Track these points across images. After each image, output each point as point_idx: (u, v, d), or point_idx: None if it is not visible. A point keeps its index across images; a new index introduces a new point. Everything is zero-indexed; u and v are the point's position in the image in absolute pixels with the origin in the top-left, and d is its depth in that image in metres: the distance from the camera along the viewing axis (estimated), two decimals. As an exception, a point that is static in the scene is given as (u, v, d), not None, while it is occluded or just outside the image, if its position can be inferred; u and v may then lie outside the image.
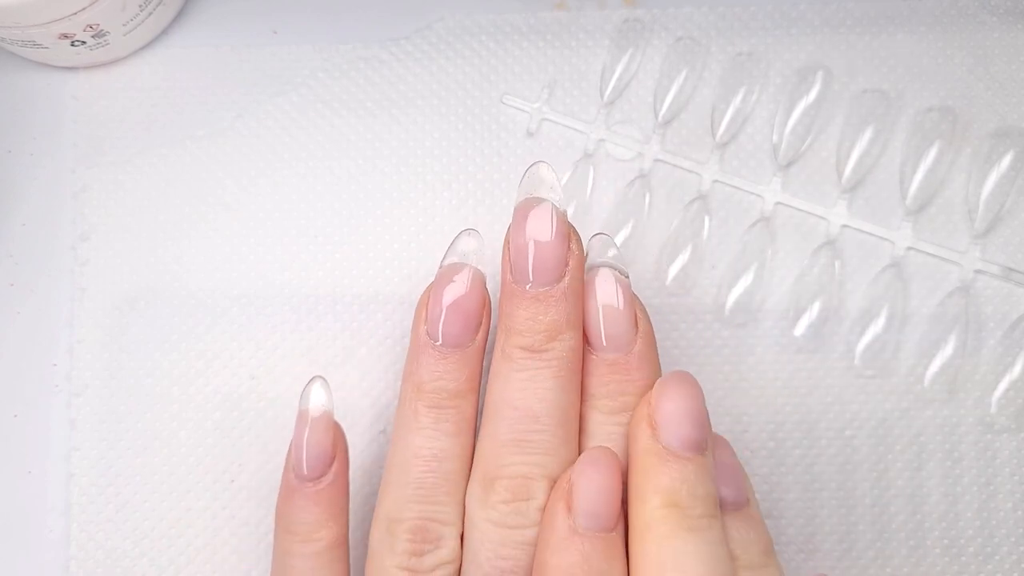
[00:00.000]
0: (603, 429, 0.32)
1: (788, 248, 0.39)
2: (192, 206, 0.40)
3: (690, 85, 0.40)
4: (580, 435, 0.32)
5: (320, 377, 0.33)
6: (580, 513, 0.29)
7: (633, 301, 0.32)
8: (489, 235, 0.40)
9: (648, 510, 0.29)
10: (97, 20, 0.37)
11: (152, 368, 0.39)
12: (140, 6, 0.38)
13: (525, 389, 0.31)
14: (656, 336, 0.34)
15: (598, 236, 0.33)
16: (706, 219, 0.39)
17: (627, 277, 0.32)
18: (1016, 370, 0.39)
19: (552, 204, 0.32)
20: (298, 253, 0.40)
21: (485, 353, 0.33)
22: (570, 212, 0.40)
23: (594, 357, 0.32)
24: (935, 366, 0.38)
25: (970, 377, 0.39)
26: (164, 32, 0.41)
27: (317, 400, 0.33)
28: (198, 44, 0.42)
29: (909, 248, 0.39)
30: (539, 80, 0.41)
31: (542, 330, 0.31)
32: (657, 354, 0.33)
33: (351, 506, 0.38)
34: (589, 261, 0.33)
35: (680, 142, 0.40)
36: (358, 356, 0.39)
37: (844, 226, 0.39)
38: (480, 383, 0.33)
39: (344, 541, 0.33)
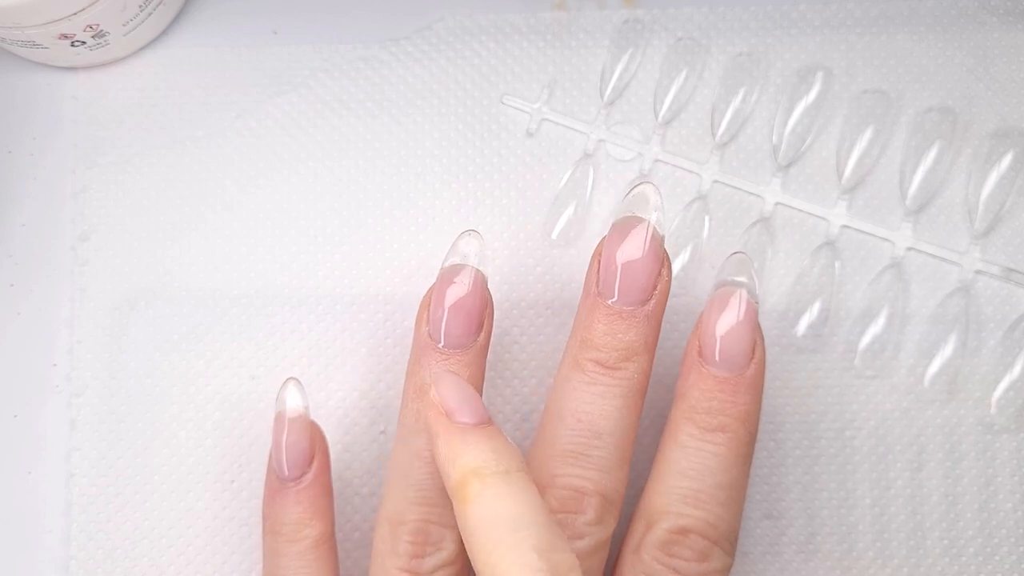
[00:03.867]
0: (694, 443, 0.32)
1: (788, 248, 0.39)
2: (192, 206, 0.40)
3: (690, 85, 0.40)
4: (669, 442, 0.32)
5: (294, 379, 0.34)
6: None
7: (757, 327, 0.32)
8: (489, 235, 0.40)
9: None
10: (97, 20, 0.37)
11: (152, 368, 0.39)
12: (140, 6, 0.38)
13: (592, 403, 0.31)
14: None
15: (738, 255, 0.33)
16: (706, 219, 0.39)
17: (757, 303, 0.32)
18: (1016, 370, 0.39)
19: (652, 225, 0.31)
20: (298, 253, 0.40)
21: (487, 353, 0.33)
22: (569, 212, 0.40)
23: (703, 370, 0.32)
24: (935, 366, 0.38)
25: (970, 378, 0.39)
26: (164, 32, 0.41)
27: (293, 402, 0.34)
28: (198, 44, 0.42)
29: (909, 248, 0.39)
30: (539, 80, 0.41)
31: (619, 348, 0.31)
32: (762, 390, 0.32)
33: (352, 505, 0.38)
34: (724, 276, 0.33)
35: (680, 142, 0.40)
36: (358, 356, 0.39)
37: (844, 226, 0.39)
38: (483, 384, 0.33)
39: (330, 538, 0.34)
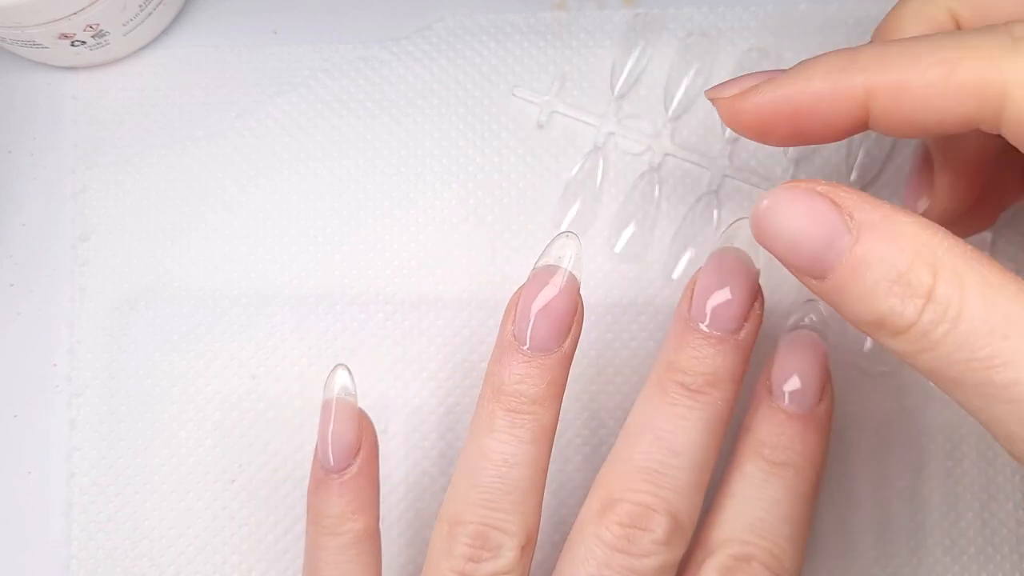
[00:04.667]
0: (760, 475, 0.32)
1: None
2: (192, 206, 0.40)
3: (701, 80, 0.40)
4: (734, 473, 0.32)
5: (343, 365, 0.33)
6: None
7: (828, 371, 0.33)
8: (490, 233, 0.40)
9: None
10: (97, 20, 0.37)
11: (152, 368, 0.39)
12: (140, 6, 0.38)
13: (672, 423, 0.31)
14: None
15: (812, 304, 0.35)
16: (715, 213, 0.39)
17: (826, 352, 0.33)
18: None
19: (749, 260, 0.31)
20: (298, 253, 0.40)
21: (571, 362, 0.32)
22: (578, 206, 0.40)
23: (773, 406, 0.33)
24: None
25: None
26: (164, 32, 0.41)
27: (340, 387, 0.33)
28: (198, 44, 0.42)
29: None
30: (540, 80, 0.41)
31: (706, 372, 0.31)
32: (830, 430, 0.33)
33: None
34: (795, 322, 0.34)
35: (690, 136, 0.40)
36: (359, 356, 0.39)
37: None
38: (563, 393, 0.32)
39: (373, 534, 0.33)
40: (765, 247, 0.28)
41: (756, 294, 0.32)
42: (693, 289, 0.32)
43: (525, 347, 0.31)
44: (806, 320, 0.35)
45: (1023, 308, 0.24)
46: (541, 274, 0.32)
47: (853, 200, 0.26)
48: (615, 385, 0.39)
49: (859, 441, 0.38)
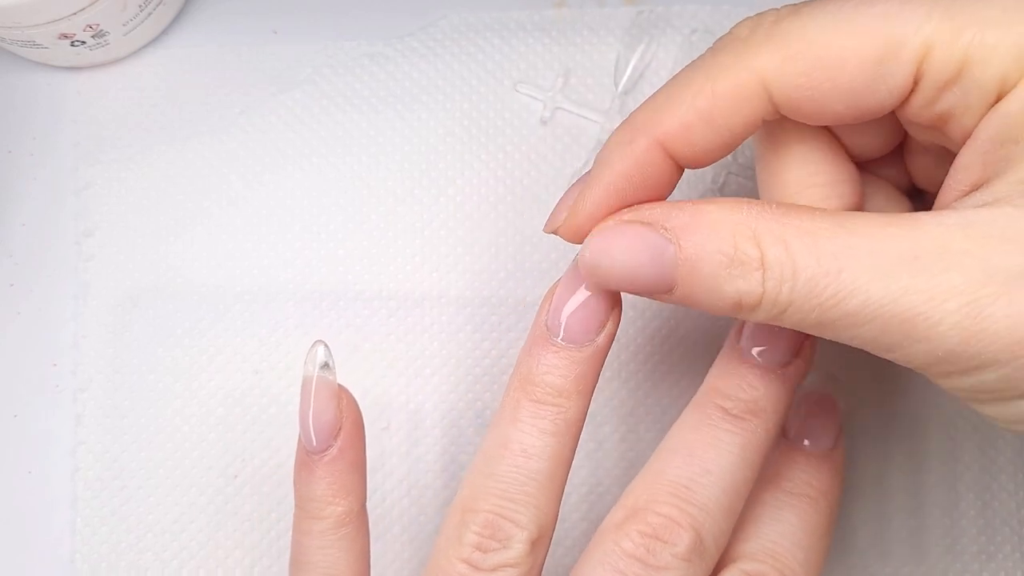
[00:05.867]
0: (776, 503, 0.32)
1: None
2: (196, 203, 0.40)
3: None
4: (750, 499, 0.32)
5: (322, 341, 0.32)
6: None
7: (840, 422, 0.34)
8: (494, 230, 0.40)
9: None
10: (97, 20, 0.37)
11: (156, 364, 0.40)
12: (140, 6, 0.38)
13: (707, 444, 0.31)
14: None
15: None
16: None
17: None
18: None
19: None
20: (302, 250, 0.40)
21: (605, 359, 0.32)
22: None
23: (792, 444, 0.34)
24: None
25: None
26: (164, 32, 0.41)
27: (320, 365, 0.32)
28: (198, 44, 0.42)
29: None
30: (544, 76, 0.40)
31: (748, 400, 0.31)
32: (843, 477, 0.34)
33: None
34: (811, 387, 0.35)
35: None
36: (362, 352, 0.39)
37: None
38: (593, 389, 0.31)
39: (357, 517, 0.32)
40: (609, 288, 0.29)
41: (804, 340, 0.31)
42: (744, 321, 0.31)
43: (558, 338, 0.31)
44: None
45: (844, 241, 0.26)
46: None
47: (658, 212, 0.28)
48: (614, 385, 0.39)
49: (859, 441, 0.38)
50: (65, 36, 0.38)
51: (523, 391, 0.31)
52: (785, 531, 0.32)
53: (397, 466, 0.39)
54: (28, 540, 0.39)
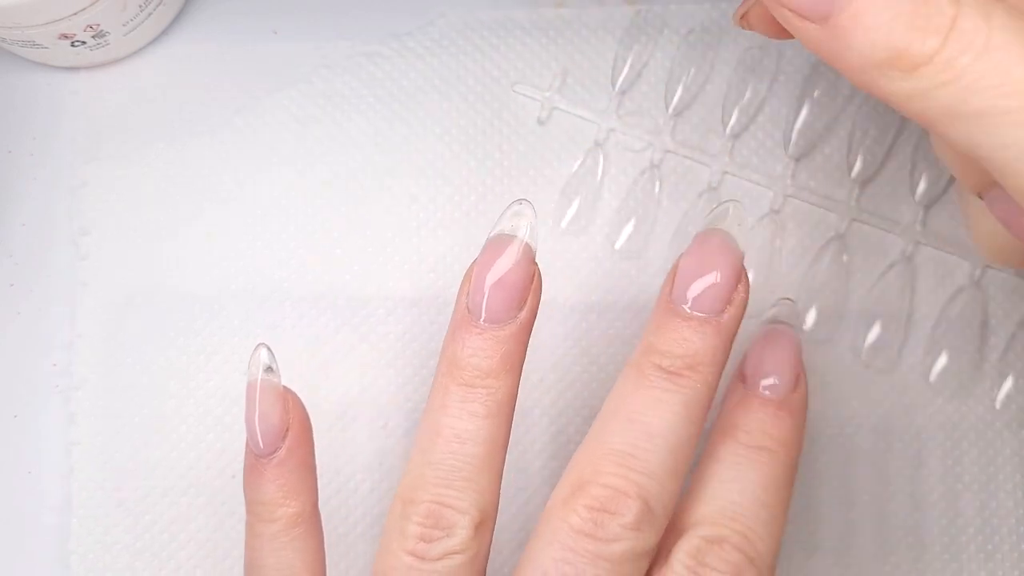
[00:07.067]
0: (734, 459, 0.31)
1: (797, 241, 0.39)
2: (192, 202, 0.40)
3: (702, 76, 0.40)
4: (708, 458, 0.32)
5: (263, 344, 0.32)
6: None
7: (801, 362, 0.33)
8: (489, 230, 0.39)
9: None
10: (97, 20, 0.37)
11: (151, 364, 0.39)
12: (140, 6, 0.38)
13: (649, 406, 0.30)
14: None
15: (787, 302, 0.35)
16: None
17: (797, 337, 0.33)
18: (1021, 367, 0.38)
19: (732, 238, 0.31)
20: (298, 250, 0.40)
21: (530, 333, 0.32)
22: (579, 202, 0.40)
23: (748, 392, 0.33)
24: (941, 363, 0.38)
25: (974, 374, 0.38)
26: (164, 32, 0.41)
27: (263, 368, 0.32)
28: (198, 44, 0.42)
29: (919, 243, 0.39)
30: (543, 75, 0.41)
31: (685, 355, 0.30)
32: (805, 418, 0.33)
33: (353, 501, 0.38)
34: (772, 316, 0.34)
35: (691, 134, 0.40)
36: (358, 352, 0.39)
37: (854, 220, 0.39)
38: (521, 366, 0.31)
39: (308, 518, 0.32)
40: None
41: (740, 277, 0.31)
42: (676, 271, 0.31)
43: (480, 320, 0.31)
44: (781, 315, 0.35)
45: None
46: (495, 244, 0.31)
47: None
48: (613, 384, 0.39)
49: (859, 440, 0.38)
50: (65, 36, 0.38)
51: (451, 376, 0.31)
52: (745, 489, 0.31)
53: (395, 466, 0.39)
54: (27, 540, 0.39)
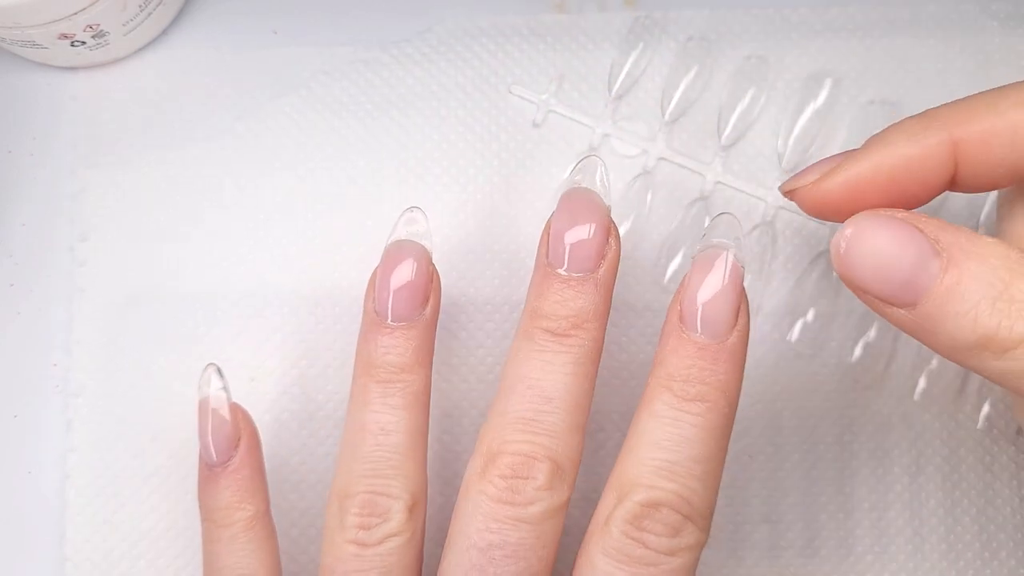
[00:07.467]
0: (671, 413, 0.30)
1: (788, 252, 0.39)
2: (191, 207, 0.40)
3: (699, 85, 0.40)
4: (644, 411, 0.31)
5: (213, 364, 0.35)
6: None
7: (743, 293, 0.31)
8: (495, 229, 0.40)
9: None
10: (97, 20, 0.37)
11: (150, 369, 0.39)
12: (140, 6, 0.38)
13: (542, 370, 0.31)
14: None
15: (727, 215, 0.32)
16: (707, 220, 0.39)
17: (743, 268, 0.31)
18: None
19: (597, 194, 0.32)
20: (297, 255, 0.40)
21: (436, 326, 0.34)
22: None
23: (683, 336, 0.31)
24: (924, 379, 0.39)
25: (963, 388, 0.39)
26: (164, 32, 0.41)
27: (214, 388, 0.34)
28: (198, 45, 0.42)
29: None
30: (540, 82, 0.41)
31: (568, 315, 0.31)
32: (745, 360, 0.31)
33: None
34: (712, 237, 0.31)
35: (685, 141, 0.40)
36: (358, 356, 0.39)
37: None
38: (431, 361, 0.34)
39: (263, 517, 0.34)
40: (848, 278, 0.28)
41: (609, 231, 0.32)
42: (547, 233, 0.32)
43: (388, 320, 0.33)
44: (718, 232, 0.32)
45: None
46: (393, 250, 0.34)
47: (935, 224, 0.26)
48: (610, 388, 0.39)
49: (858, 444, 0.38)
50: (65, 36, 0.38)
51: (368, 375, 0.33)
52: (680, 445, 0.30)
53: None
54: (26, 543, 0.39)
